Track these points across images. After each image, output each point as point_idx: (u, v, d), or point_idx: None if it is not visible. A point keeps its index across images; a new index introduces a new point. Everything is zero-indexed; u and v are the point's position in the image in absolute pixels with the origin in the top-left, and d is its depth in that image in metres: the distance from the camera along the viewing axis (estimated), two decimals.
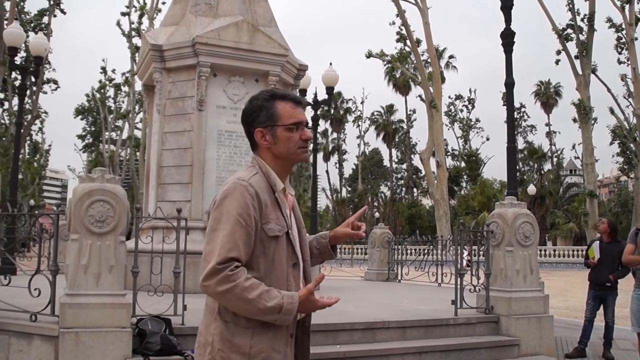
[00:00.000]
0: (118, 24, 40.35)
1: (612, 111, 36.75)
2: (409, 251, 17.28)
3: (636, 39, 33.00)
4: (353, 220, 2.63)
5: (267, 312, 2.17)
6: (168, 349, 5.33)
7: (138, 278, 5.74)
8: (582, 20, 32.47)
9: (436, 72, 36.26)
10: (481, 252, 7.88)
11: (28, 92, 31.56)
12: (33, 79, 32.49)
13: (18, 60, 23.70)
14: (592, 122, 34.81)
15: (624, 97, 37.55)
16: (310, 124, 2.47)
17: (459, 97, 66.79)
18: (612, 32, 34.75)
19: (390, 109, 71.93)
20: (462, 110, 67.13)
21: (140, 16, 39.59)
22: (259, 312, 2.18)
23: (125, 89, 45.77)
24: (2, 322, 5.61)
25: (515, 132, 28.62)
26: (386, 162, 77.15)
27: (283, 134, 2.35)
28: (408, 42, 36.37)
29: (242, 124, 2.46)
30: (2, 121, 38.17)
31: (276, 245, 2.29)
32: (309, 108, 16.69)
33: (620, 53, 34.87)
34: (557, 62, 34.12)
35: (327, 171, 69.29)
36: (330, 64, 16.00)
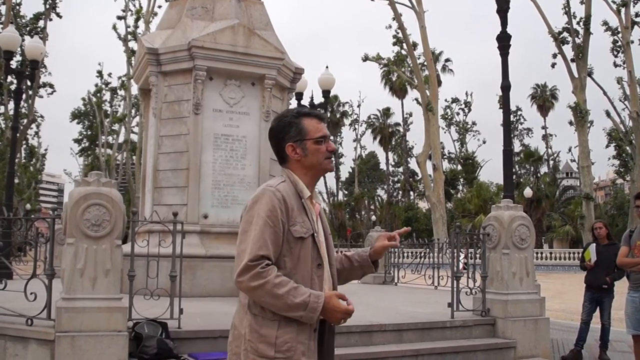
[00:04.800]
0: (114, 27, 40.20)
1: (608, 114, 36.84)
2: (405, 254, 17.26)
3: (632, 42, 33.01)
4: (390, 235, 2.76)
5: (294, 308, 2.35)
6: (164, 353, 5.33)
7: (134, 282, 5.74)
8: (578, 23, 32.41)
9: (432, 75, 36.27)
10: (477, 255, 7.89)
11: (24, 96, 31.48)
12: (29, 83, 32.55)
13: (14, 64, 23.74)
14: (588, 125, 34.84)
15: (620, 100, 37.63)
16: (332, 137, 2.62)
17: (455, 100, 66.87)
18: (608, 36, 34.79)
19: (386, 112, 72.04)
20: (458, 114, 67.23)
21: (136, 20, 39.43)
22: (287, 308, 2.35)
23: (121, 92, 45.67)
24: None
25: (512, 135, 28.64)
26: (383, 166, 77.28)
27: (312, 146, 2.59)
28: (404, 45, 36.39)
29: (270, 140, 2.68)
30: None
31: (302, 246, 2.48)
32: None
33: (616, 56, 34.91)
34: (553, 65, 34.12)
35: None
36: (327, 67, 16.06)
